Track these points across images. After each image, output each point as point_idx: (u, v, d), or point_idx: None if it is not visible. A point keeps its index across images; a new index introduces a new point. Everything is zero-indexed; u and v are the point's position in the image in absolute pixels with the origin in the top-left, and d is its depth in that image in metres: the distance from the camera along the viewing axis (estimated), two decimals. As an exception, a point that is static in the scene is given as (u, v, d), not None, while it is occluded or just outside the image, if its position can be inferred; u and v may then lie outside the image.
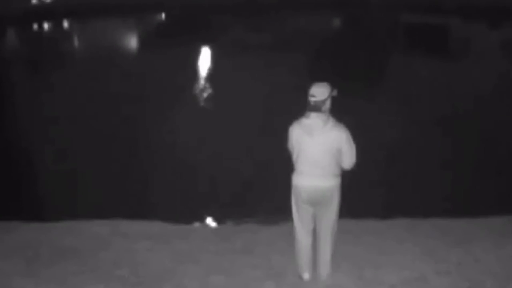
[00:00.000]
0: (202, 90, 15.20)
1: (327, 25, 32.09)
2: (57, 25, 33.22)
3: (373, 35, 26.18)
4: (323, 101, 4.42)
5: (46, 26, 33.12)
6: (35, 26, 32.60)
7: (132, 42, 27.56)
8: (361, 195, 7.21)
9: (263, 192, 7.77)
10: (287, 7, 34.67)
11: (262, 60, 18.58)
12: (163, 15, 37.29)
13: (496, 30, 28.45)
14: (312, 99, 4.42)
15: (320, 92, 4.42)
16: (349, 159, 4.50)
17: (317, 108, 4.42)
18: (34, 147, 10.55)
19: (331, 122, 4.45)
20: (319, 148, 4.43)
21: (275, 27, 28.61)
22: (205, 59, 21.12)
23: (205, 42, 23.79)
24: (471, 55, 21.29)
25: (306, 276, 4.80)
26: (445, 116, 11.85)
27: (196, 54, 21.21)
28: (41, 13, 33.70)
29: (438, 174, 8.62)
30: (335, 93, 4.51)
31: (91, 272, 5.08)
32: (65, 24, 33.96)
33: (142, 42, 26.88)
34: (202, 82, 16.37)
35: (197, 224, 6.90)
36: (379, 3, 35.16)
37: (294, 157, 4.60)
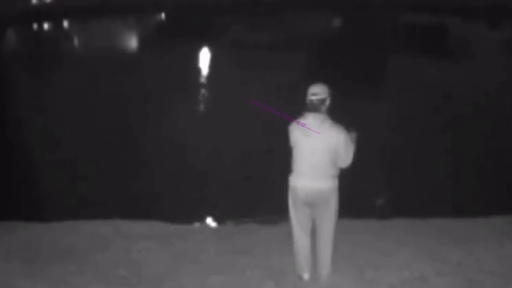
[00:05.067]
0: (202, 90, 15.21)
1: (327, 25, 32.09)
2: (57, 25, 33.23)
3: (373, 35, 26.18)
4: (324, 100, 4.42)
5: (46, 26, 33.12)
6: (35, 26, 32.60)
7: (132, 42, 27.56)
8: (361, 195, 7.22)
9: (263, 192, 7.76)
10: (287, 7, 34.67)
11: (262, 60, 18.58)
12: (163, 15, 37.30)
13: (496, 30, 28.46)
14: (313, 97, 4.41)
15: (321, 90, 4.43)
16: (345, 160, 4.49)
17: (316, 107, 4.41)
18: (34, 147, 10.55)
19: (328, 122, 4.42)
20: (316, 148, 4.42)
21: (275, 27, 28.60)
22: (205, 59, 21.12)
23: (205, 42, 23.79)
24: (471, 55, 21.29)
25: (305, 276, 4.79)
26: (446, 115, 11.86)
27: (196, 54, 21.21)
28: (41, 13, 33.71)
29: (438, 174, 8.63)
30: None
31: (91, 272, 5.07)
32: (65, 24, 33.97)
33: (142, 42, 26.88)
34: (202, 82, 16.39)
35: (197, 224, 6.90)
36: (379, 3, 35.16)
37: (293, 157, 4.59)
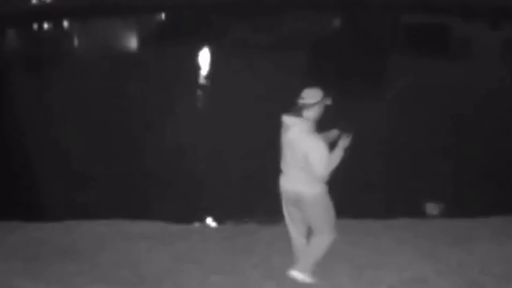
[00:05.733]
0: (202, 90, 15.21)
1: (327, 25, 32.10)
2: (57, 25, 33.24)
3: (373, 35, 26.19)
4: (310, 105, 4.25)
5: (46, 26, 33.13)
6: (35, 26, 32.61)
7: (132, 42, 27.57)
8: (361, 195, 7.21)
9: (263, 192, 7.75)
10: (287, 7, 34.70)
11: (262, 60, 18.59)
12: (163, 15, 37.33)
13: (496, 30, 28.48)
14: (300, 101, 4.28)
15: (310, 95, 4.27)
16: (318, 169, 4.22)
17: (298, 110, 4.28)
18: (34, 147, 10.55)
19: (303, 127, 4.25)
20: (288, 151, 4.37)
21: (275, 27, 28.61)
22: (205, 59, 21.12)
23: (205, 42, 23.79)
24: (471, 55, 21.29)
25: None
26: (446, 116, 11.85)
27: (196, 54, 21.21)
28: (41, 13, 33.74)
29: (438, 174, 8.62)
30: (329, 101, 4.32)
31: (91, 272, 5.07)
32: (65, 24, 33.98)
33: (142, 42, 26.89)
34: (202, 82, 16.39)
35: (197, 224, 6.89)
36: (379, 3, 35.19)
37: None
